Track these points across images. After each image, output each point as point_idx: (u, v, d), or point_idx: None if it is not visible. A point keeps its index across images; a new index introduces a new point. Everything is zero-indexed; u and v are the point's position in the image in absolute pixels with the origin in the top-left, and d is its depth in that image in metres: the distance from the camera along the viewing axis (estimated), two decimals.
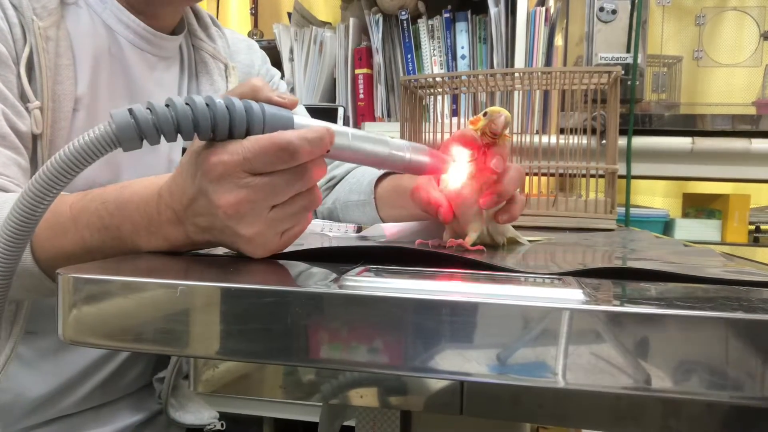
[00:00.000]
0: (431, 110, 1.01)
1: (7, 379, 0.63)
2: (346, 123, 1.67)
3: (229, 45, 0.87)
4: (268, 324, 0.33)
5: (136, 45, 0.73)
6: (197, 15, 0.84)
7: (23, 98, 0.63)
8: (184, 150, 0.79)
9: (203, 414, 0.80)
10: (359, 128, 1.60)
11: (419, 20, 1.62)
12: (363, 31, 1.71)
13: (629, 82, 1.34)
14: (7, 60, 0.62)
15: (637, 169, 1.39)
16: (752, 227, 1.47)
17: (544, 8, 1.50)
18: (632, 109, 1.36)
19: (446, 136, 0.94)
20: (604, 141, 0.95)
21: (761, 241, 1.48)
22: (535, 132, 1.46)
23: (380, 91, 1.65)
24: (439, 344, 0.31)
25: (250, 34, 2.04)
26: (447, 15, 1.59)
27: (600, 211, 0.86)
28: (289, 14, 1.92)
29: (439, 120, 0.95)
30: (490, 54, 1.57)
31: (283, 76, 1.24)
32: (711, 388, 0.29)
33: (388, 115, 1.66)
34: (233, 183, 0.40)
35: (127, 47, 0.72)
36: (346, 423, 0.72)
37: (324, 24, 1.84)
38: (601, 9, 1.34)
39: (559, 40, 1.58)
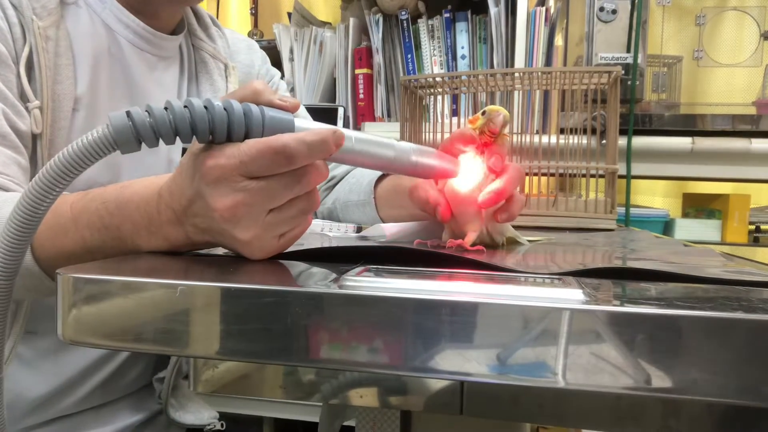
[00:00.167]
0: (431, 110, 1.01)
1: (7, 379, 0.64)
2: (346, 123, 1.67)
3: (229, 45, 0.87)
4: (268, 324, 0.33)
5: (136, 45, 0.73)
6: (197, 15, 0.84)
7: (23, 98, 0.63)
8: (184, 150, 0.78)
9: (203, 414, 0.80)
10: (359, 128, 1.61)
11: (419, 20, 1.62)
12: (363, 31, 1.71)
13: (629, 82, 1.34)
14: (7, 59, 0.62)
15: (637, 169, 1.39)
16: (752, 227, 1.47)
17: (544, 8, 1.50)
18: (632, 109, 1.36)
19: (446, 136, 0.94)
20: (604, 141, 0.95)
21: (761, 241, 1.48)
22: (535, 132, 1.46)
23: (380, 91, 1.65)
24: (439, 344, 0.31)
25: (250, 34, 2.04)
26: (447, 15, 1.59)
27: (600, 211, 0.86)
28: (289, 14, 1.92)
29: (439, 120, 0.95)
30: (490, 54, 1.57)
31: (283, 76, 1.24)
32: (711, 388, 0.29)
33: (388, 115, 1.66)
34: (230, 186, 0.40)
35: (127, 47, 0.72)
36: (346, 423, 0.72)
37: (324, 24, 1.84)
38: (601, 9, 1.34)
39: (559, 40, 1.58)
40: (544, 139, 0.95)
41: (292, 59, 1.75)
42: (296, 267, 0.42)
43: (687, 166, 1.40)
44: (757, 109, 1.46)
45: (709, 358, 0.29)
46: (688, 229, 1.47)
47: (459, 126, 0.95)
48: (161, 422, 0.81)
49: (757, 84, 1.50)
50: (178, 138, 0.40)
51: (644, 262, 0.46)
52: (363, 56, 1.67)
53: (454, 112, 1.57)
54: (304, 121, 0.43)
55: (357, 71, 1.68)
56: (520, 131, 0.93)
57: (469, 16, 1.58)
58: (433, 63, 1.62)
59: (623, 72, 1.31)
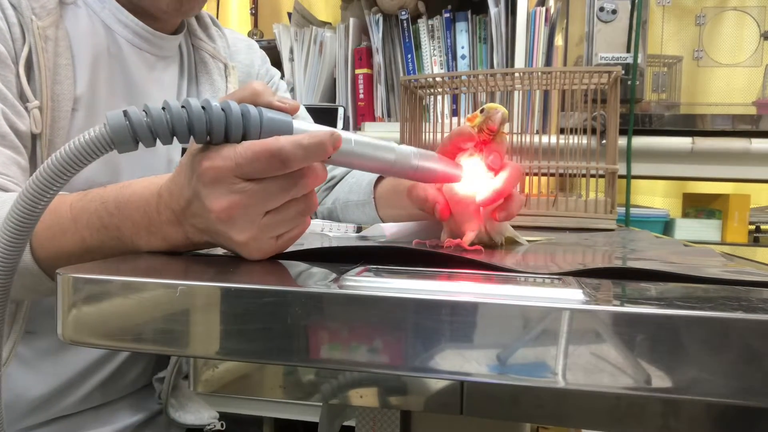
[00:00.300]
0: (431, 110, 1.01)
1: (6, 379, 0.64)
2: (346, 123, 1.67)
3: (229, 45, 0.86)
4: (268, 324, 0.33)
5: (135, 45, 0.73)
6: (197, 15, 0.84)
7: (22, 98, 0.63)
8: (183, 150, 0.78)
9: (203, 414, 0.80)
10: (359, 128, 1.61)
11: (419, 20, 1.62)
12: (363, 31, 1.71)
13: (629, 82, 1.34)
14: (7, 60, 0.62)
15: (637, 169, 1.39)
16: (752, 227, 1.47)
17: (544, 8, 1.50)
18: (632, 109, 1.36)
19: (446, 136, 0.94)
20: (604, 141, 0.95)
21: (761, 241, 1.48)
22: (535, 132, 1.46)
23: (380, 91, 1.65)
24: (439, 344, 0.31)
25: (250, 34, 2.04)
26: (447, 15, 1.59)
27: (600, 211, 0.86)
28: (289, 14, 1.92)
29: (439, 120, 0.95)
30: (490, 54, 1.57)
31: (283, 76, 1.24)
32: (711, 388, 0.29)
33: (388, 115, 1.66)
34: (226, 188, 0.40)
35: (126, 47, 0.72)
36: (346, 423, 0.72)
37: (324, 24, 1.84)
38: (601, 9, 1.34)
39: (559, 40, 1.58)
40: (544, 139, 0.95)
41: (292, 59, 1.75)
42: (296, 267, 0.42)
43: (687, 166, 1.40)
44: (757, 109, 1.46)
45: (709, 358, 0.29)
46: (688, 229, 1.47)
47: (459, 126, 0.95)
48: (161, 422, 0.81)
49: (757, 84, 1.50)
50: (175, 138, 0.40)
51: (644, 262, 0.46)
52: (363, 56, 1.67)
53: (454, 112, 1.57)
54: (302, 123, 0.43)
55: (357, 71, 1.68)
56: (520, 131, 0.93)
57: (469, 16, 1.58)
58: (433, 63, 1.62)
59: (623, 72, 1.31)
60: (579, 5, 1.40)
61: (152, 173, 0.52)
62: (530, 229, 0.82)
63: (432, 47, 1.62)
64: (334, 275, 0.36)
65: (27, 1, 0.62)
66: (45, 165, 0.38)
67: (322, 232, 0.68)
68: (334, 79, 1.73)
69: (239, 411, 1.56)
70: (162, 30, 0.75)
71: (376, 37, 1.63)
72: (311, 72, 1.74)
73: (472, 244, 0.49)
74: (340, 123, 1.65)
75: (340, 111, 1.66)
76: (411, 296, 0.31)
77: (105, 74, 0.70)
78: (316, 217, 0.88)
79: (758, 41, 1.50)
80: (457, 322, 0.31)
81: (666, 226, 1.49)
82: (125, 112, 0.38)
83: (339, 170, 0.89)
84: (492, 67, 1.56)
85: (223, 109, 0.40)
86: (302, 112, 0.91)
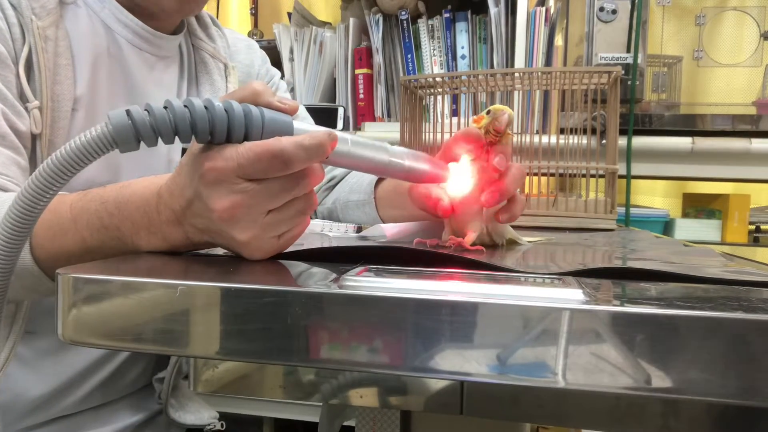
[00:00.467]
0: (431, 110, 1.01)
1: (6, 379, 0.63)
2: (346, 123, 1.67)
3: (229, 45, 0.86)
4: (268, 324, 0.33)
5: (135, 45, 0.73)
6: (197, 15, 0.84)
7: (22, 98, 0.63)
8: (183, 150, 0.78)
9: (203, 414, 0.80)
10: (359, 128, 1.61)
11: (419, 20, 1.62)
12: (363, 31, 1.71)
13: (629, 82, 1.34)
14: (6, 60, 0.62)
15: (637, 169, 1.39)
16: (752, 227, 1.47)
17: (544, 8, 1.50)
18: (632, 109, 1.36)
19: (446, 136, 0.94)
20: (604, 141, 0.95)
21: (761, 241, 1.48)
22: (535, 132, 1.46)
23: (380, 91, 1.65)
24: (439, 344, 0.31)
25: (250, 34, 2.04)
26: (447, 15, 1.59)
27: (600, 211, 0.86)
28: (289, 14, 1.92)
29: (439, 120, 0.95)
30: (490, 54, 1.57)
31: (283, 76, 1.24)
32: (711, 388, 0.29)
33: (388, 115, 1.66)
34: (228, 188, 0.40)
35: (126, 47, 0.72)
36: (346, 423, 0.72)
37: (324, 24, 1.84)
38: (601, 9, 1.34)
39: (559, 40, 1.58)
40: (544, 139, 0.95)
41: (292, 59, 1.75)
42: (296, 267, 0.42)
43: (687, 166, 1.40)
44: (757, 109, 1.46)
45: (709, 358, 0.29)
46: (688, 229, 1.47)
47: (459, 126, 0.95)
48: (161, 422, 0.81)
49: (757, 84, 1.50)
50: (177, 138, 0.40)
51: (644, 262, 0.46)
52: (363, 56, 1.67)
53: (454, 112, 1.57)
54: (302, 124, 0.43)
55: (357, 71, 1.68)
56: (520, 131, 0.93)
57: (469, 16, 1.58)
58: (433, 63, 1.62)
59: (623, 72, 1.31)
60: (579, 5, 1.40)
61: (152, 173, 0.52)
62: (530, 229, 0.82)
63: (432, 47, 1.62)
64: (334, 275, 0.36)
65: (27, 1, 0.62)
66: (46, 163, 0.38)
67: (322, 232, 0.68)
68: (334, 79, 1.73)
69: (239, 411, 1.56)
70: (162, 30, 0.75)
71: (376, 37, 1.63)
72: (311, 72, 1.74)
73: (473, 244, 0.49)
74: (340, 123, 1.65)
75: (340, 111, 1.66)
76: (411, 296, 0.31)
77: (105, 74, 0.70)
78: (316, 217, 0.88)
79: (758, 41, 1.50)
80: (457, 322, 0.31)
81: (666, 226, 1.49)
82: (128, 111, 0.38)
83: (339, 170, 0.89)
84: (492, 67, 1.56)
85: (225, 109, 0.40)
86: (302, 112, 0.91)
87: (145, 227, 0.46)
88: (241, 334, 0.33)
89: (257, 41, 1.29)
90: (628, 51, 1.33)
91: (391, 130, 1.48)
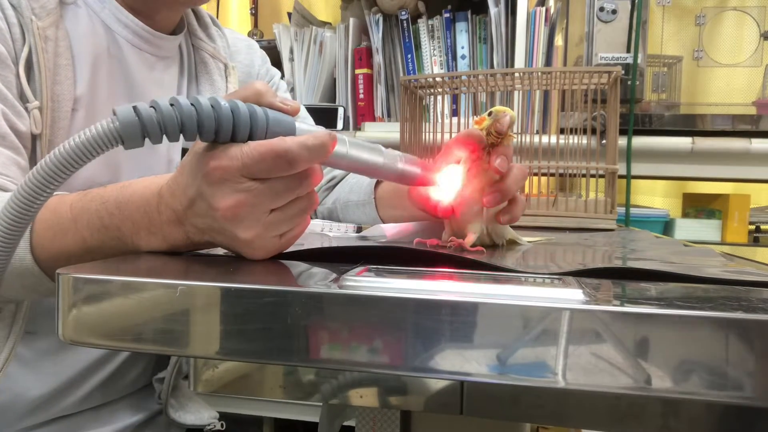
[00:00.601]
0: (431, 110, 1.01)
1: (6, 379, 0.63)
2: (346, 123, 1.67)
3: (229, 45, 0.86)
4: (268, 324, 0.33)
5: (135, 45, 0.73)
6: (197, 15, 0.84)
7: (22, 98, 0.63)
8: (183, 150, 0.79)
9: (203, 414, 0.80)
10: (359, 129, 1.61)
11: (419, 20, 1.62)
12: (363, 31, 1.71)
13: (629, 82, 1.34)
14: (7, 60, 0.62)
15: (637, 169, 1.39)
16: (752, 227, 1.47)
17: (544, 8, 1.50)
18: (632, 109, 1.36)
19: (446, 136, 0.94)
20: (604, 141, 0.95)
21: (761, 241, 1.48)
22: (535, 132, 1.46)
23: (380, 91, 1.65)
24: (439, 344, 0.31)
25: (250, 34, 2.04)
26: (447, 15, 1.59)
27: (600, 211, 0.86)
28: (289, 14, 1.92)
29: (439, 120, 0.95)
30: (490, 54, 1.57)
31: (283, 76, 1.24)
32: (711, 388, 0.29)
33: (388, 115, 1.66)
34: (232, 187, 0.40)
35: (126, 47, 0.72)
36: (346, 423, 0.72)
37: (324, 24, 1.84)
38: (601, 9, 1.34)
39: (559, 40, 1.58)
40: (544, 139, 0.95)
41: (292, 59, 1.75)
42: (296, 267, 0.42)
43: (687, 166, 1.40)
44: (757, 109, 1.46)
45: (709, 358, 0.29)
46: (688, 229, 1.47)
47: (459, 126, 0.95)
48: (161, 422, 0.81)
49: (757, 84, 1.50)
50: (182, 136, 0.40)
51: (644, 262, 0.46)
52: (363, 56, 1.67)
53: (454, 112, 1.57)
54: (304, 124, 0.43)
55: (357, 71, 1.68)
56: (520, 131, 0.93)
57: (469, 16, 1.58)
58: (433, 63, 1.62)
59: (623, 72, 1.31)
60: (579, 5, 1.40)
61: (152, 173, 0.52)
62: (530, 229, 0.82)
63: (432, 47, 1.62)
64: (334, 275, 0.36)
65: (27, 1, 0.62)
66: (49, 157, 0.38)
67: (322, 232, 0.68)
68: (334, 79, 1.73)
69: (239, 411, 1.56)
70: (162, 29, 0.75)
71: (376, 37, 1.63)
72: (311, 72, 1.74)
73: (473, 245, 0.49)
74: (340, 123, 1.65)
75: (340, 111, 1.66)
76: (411, 296, 0.31)
77: (105, 74, 0.70)
78: (316, 217, 0.88)
79: (758, 41, 1.50)
80: (457, 322, 0.31)
81: (666, 226, 1.49)
82: (135, 108, 0.38)
83: (339, 171, 0.89)
84: (492, 67, 1.56)
85: (231, 109, 0.40)
86: (302, 112, 0.91)
87: (146, 227, 0.46)
88: (241, 334, 0.33)
89: (257, 41, 1.29)
90: (628, 51, 1.33)
91: (391, 130, 1.48)
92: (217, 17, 1.48)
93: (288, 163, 0.40)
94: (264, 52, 0.94)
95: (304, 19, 1.85)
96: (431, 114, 1.01)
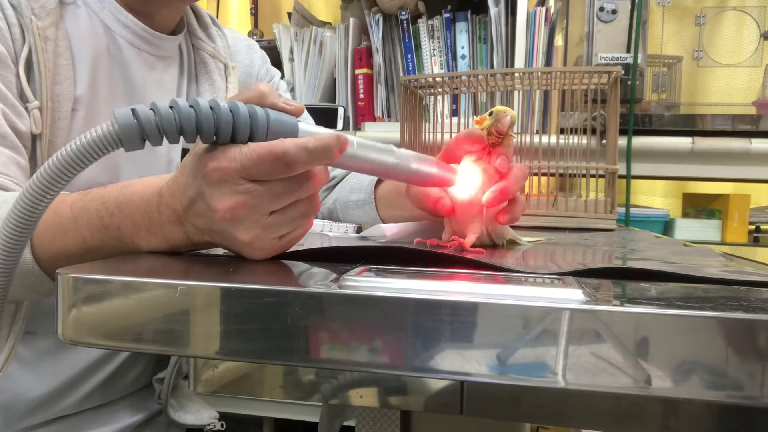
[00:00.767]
0: (431, 110, 1.01)
1: (6, 379, 0.63)
2: (346, 123, 1.67)
3: (229, 45, 0.86)
4: (268, 324, 0.33)
5: (135, 45, 0.73)
6: (197, 15, 0.84)
7: (22, 98, 0.63)
8: (183, 151, 0.79)
9: (203, 414, 0.80)
10: (359, 129, 1.61)
11: (419, 20, 1.62)
12: (363, 31, 1.71)
13: (629, 82, 1.34)
14: (6, 60, 0.62)
15: (637, 169, 1.39)
16: (752, 227, 1.47)
17: (544, 8, 1.50)
18: (632, 109, 1.36)
19: (446, 136, 0.94)
20: (604, 141, 0.95)
21: (761, 241, 1.48)
22: (535, 132, 1.46)
23: (380, 91, 1.65)
24: (439, 344, 0.31)
25: (250, 34, 2.04)
26: (447, 15, 1.59)
27: (600, 211, 0.86)
28: (289, 14, 1.92)
29: (439, 120, 0.95)
30: (490, 54, 1.57)
31: (283, 76, 1.24)
32: (711, 388, 0.29)
33: (388, 115, 1.66)
34: (231, 188, 0.40)
35: (126, 47, 0.72)
36: (346, 423, 0.72)
37: (324, 24, 1.84)
38: (601, 9, 1.34)
39: (559, 40, 1.58)
40: (544, 139, 0.95)
41: (292, 59, 1.75)
42: (296, 267, 0.42)
43: (687, 166, 1.40)
44: (757, 109, 1.46)
45: (709, 358, 0.29)
46: (688, 229, 1.47)
47: (459, 126, 0.95)
48: (161, 422, 0.81)
49: (757, 84, 1.50)
50: (181, 138, 0.40)
51: (644, 262, 0.46)
52: (363, 56, 1.67)
53: (454, 112, 1.57)
54: (307, 125, 0.43)
55: (357, 71, 1.68)
56: (520, 131, 0.93)
57: (469, 16, 1.58)
58: (433, 63, 1.62)
59: (623, 72, 1.31)
60: (579, 5, 1.40)
61: (152, 174, 0.52)
62: (530, 229, 0.82)
63: (432, 47, 1.62)
64: (334, 275, 0.36)
65: (27, 1, 0.62)
66: (50, 162, 0.38)
67: (322, 232, 0.68)
68: (334, 79, 1.73)
69: (239, 411, 1.56)
70: (161, 29, 0.75)
71: (376, 37, 1.63)
72: (311, 72, 1.74)
73: (473, 246, 0.49)
74: (340, 123, 1.65)
75: (340, 111, 1.66)
76: (411, 296, 0.31)
77: (105, 74, 0.70)
78: (316, 217, 0.88)
79: (758, 41, 1.50)
80: (457, 322, 0.31)
81: (666, 226, 1.49)
82: (134, 110, 0.38)
83: (339, 170, 0.89)
84: (492, 67, 1.56)
85: (230, 110, 0.40)
86: (304, 113, 0.91)
87: (146, 227, 0.46)
88: (241, 334, 0.33)
89: (257, 41, 1.29)
90: (628, 51, 1.33)
91: (391, 130, 1.48)
92: (217, 17, 1.48)
93: (285, 165, 0.40)
94: (264, 52, 0.94)
95: (304, 19, 1.85)
96: (431, 114, 1.01)
